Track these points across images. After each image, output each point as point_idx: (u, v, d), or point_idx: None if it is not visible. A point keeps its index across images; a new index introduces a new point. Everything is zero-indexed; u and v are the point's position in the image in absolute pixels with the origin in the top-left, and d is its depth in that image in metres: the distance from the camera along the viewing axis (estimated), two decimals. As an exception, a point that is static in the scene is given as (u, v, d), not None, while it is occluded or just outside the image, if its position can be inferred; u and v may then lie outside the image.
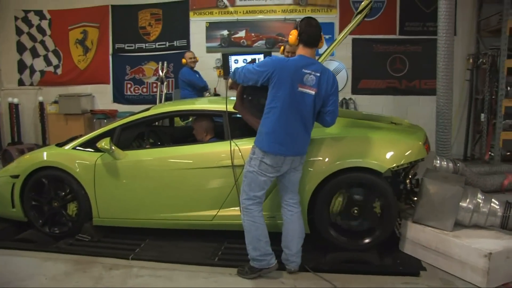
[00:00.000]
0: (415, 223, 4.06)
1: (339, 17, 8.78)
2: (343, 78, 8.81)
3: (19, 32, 9.82)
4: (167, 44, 9.39)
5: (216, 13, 9.14)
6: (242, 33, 9.13)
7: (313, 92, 3.53)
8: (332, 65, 8.67)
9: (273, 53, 8.20)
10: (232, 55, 8.70)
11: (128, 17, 9.47)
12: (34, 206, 4.67)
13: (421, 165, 4.39)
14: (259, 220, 3.66)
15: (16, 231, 4.79)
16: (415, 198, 4.24)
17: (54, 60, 9.82)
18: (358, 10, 4.86)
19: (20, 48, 9.85)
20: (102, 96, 9.76)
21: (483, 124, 7.54)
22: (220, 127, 4.60)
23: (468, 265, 3.58)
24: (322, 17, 8.45)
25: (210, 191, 4.29)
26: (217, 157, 4.22)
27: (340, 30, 8.47)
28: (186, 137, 5.20)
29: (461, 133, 8.40)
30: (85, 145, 4.69)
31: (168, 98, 8.84)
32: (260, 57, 8.17)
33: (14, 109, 9.48)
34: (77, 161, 4.53)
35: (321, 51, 5.37)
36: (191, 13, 9.21)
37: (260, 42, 9.09)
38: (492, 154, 7.20)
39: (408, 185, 4.31)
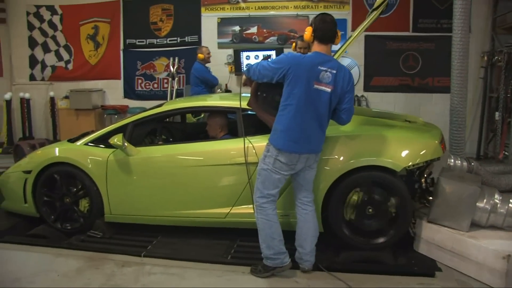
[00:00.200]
0: (430, 222, 4.01)
1: (352, 13, 8.70)
2: (356, 75, 8.71)
3: (30, 27, 9.83)
4: (179, 39, 9.35)
5: (228, 8, 9.09)
6: (254, 29, 9.06)
7: (329, 90, 3.48)
8: (344, 62, 8.58)
9: (285, 50, 8.15)
10: (244, 51, 8.67)
11: (139, 12, 9.45)
12: (46, 202, 4.67)
13: (437, 164, 4.32)
14: (273, 218, 3.63)
15: (28, 226, 4.79)
16: (430, 198, 4.20)
17: (65, 55, 9.83)
18: (374, 7, 4.78)
19: (32, 43, 9.86)
20: (113, 91, 9.77)
21: (498, 123, 7.43)
22: (233, 124, 4.57)
23: (485, 266, 3.53)
24: (334, 14, 8.01)
25: (224, 188, 4.25)
26: (230, 154, 4.18)
27: (353, 27, 8.46)
28: (198, 133, 5.18)
29: (474, 132, 8.30)
30: (97, 141, 4.67)
31: (179, 94, 8.86)
32: (272, 53, 8.12)
33: (25, 104, 9.51)
34: (90, 157, 4.52)
35: (336, 47, 5.31)
36: (202, 9, 9.18)
37: (272, 38, 9.01)
38: (507, 153, 7.10)
39: (423, 184, 4.26)
